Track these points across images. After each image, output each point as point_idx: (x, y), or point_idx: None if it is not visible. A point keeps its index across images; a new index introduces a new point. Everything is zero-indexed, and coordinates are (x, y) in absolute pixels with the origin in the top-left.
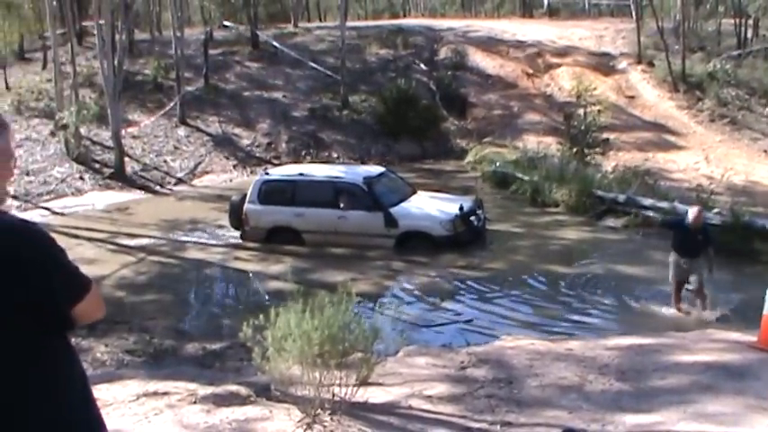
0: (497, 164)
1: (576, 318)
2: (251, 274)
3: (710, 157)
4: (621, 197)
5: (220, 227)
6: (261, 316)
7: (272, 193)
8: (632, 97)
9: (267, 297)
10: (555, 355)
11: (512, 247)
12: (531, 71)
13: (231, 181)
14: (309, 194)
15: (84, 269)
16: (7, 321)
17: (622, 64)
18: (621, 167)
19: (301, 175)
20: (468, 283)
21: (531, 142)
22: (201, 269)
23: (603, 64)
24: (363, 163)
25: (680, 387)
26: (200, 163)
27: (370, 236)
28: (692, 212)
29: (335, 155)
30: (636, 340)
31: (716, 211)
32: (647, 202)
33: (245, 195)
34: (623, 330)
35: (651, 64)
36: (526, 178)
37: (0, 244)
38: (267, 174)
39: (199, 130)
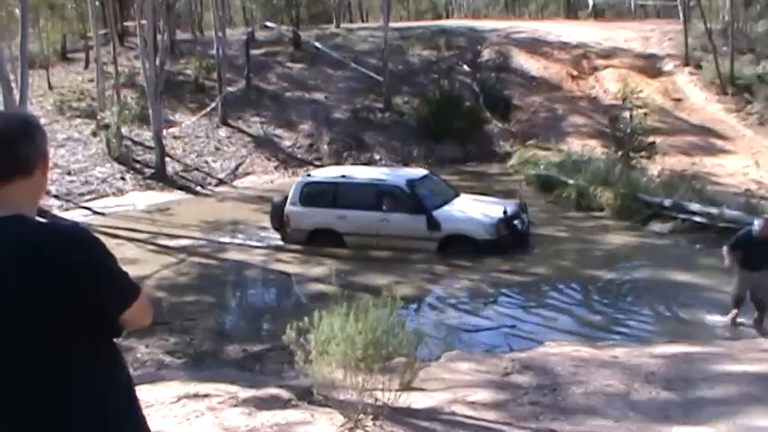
0: (541, 167)
1: (621, 324)
2: (292, 277)
3: (760, 161)
4: (668, 201)
5: (262, 228)
6: (305, 319)
7: (313, 194)
8: (679, 100)
9: (308, 300)
10: (600, 362)
11: (556, 252)
12: (575, 73)
13: (272, 182)
14: (351, 196)
15: (124, 269)
16: (58, 327)
17: (669, 66)
18: (668, 171)
19: (343, 176)
20: (512, 287)
21: (576, 145)
22: (242, 271)
23: (650, 66)
24: (406, 165)
25: (728, 398)
26: (241, 164)
27: (413, 239)
28: (758, 223)
29: (377, 157)
30: (682, 348)
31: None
32: (694, 206)
33: (287, 197)
34: (669, 338)
35: (699, 66)
36: (570, 182)
37: (53, 249)
38: (309, 175)
39: (240, 130)
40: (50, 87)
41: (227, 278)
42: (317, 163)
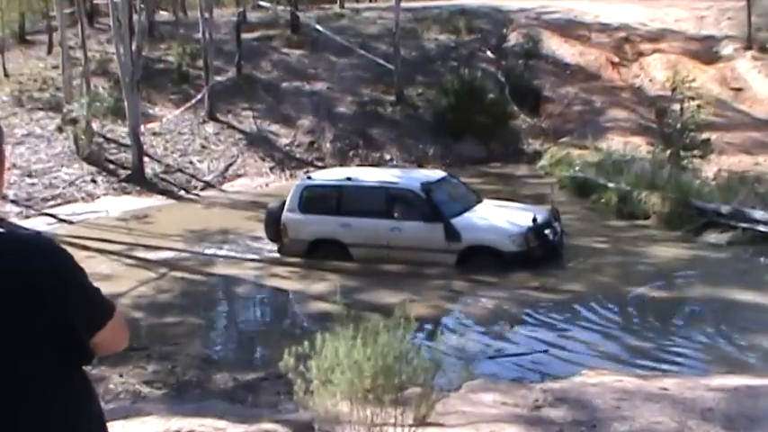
0: (576, 168)
1: (670, 351)
2: (290, 294)
3: None
4: (726, 208)
5: (255, 239)
6: (305, 343)
7: (314, 200)
8: (739, 90)
9: (309, 321)
10: (646, 394)
11: (593, 266)
12: (616, 59)
13: (267, 186)
14: (358, 202)
15: (96, 285)
16: (20, 352)
17: (728, 49)
18: (725, 173)
19: (349, 179)
20: (542, 307)
21: (617, 143)
22: (232, 287)
23: (705, 50)
24: (420, 166)
25: None
26: (231, 164)
27: (429, 251)
28: None
29: (388, 157)
30: (745, 381)
31: None
32: (758, 214)
33: (284, 202)
34: (728, 368)
35: (764, 49)
36: (610, 185)
37: (13, 263)
38: (309, 178)
39: (230, 126)
40: (6, 75)
41: (214, 296)
42: (319, 163)
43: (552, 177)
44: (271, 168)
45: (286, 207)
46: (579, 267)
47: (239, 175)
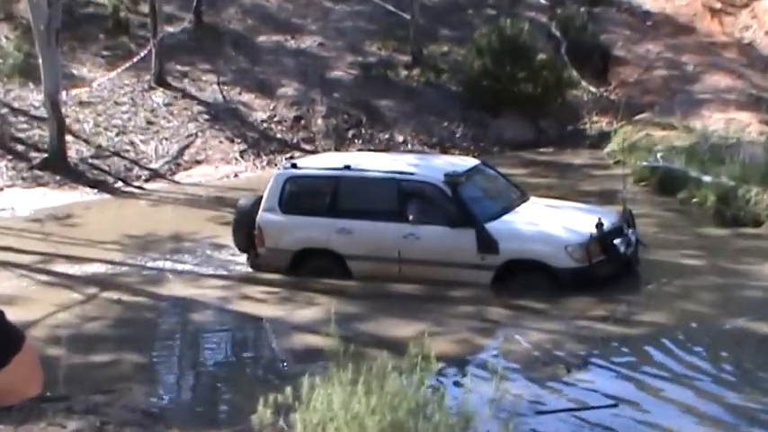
0: (659, 155)
1: None
2: (266, 323)
3: None
4: None
5: (219, 248)
6: (287, 390)
7: (301, 196)
8: None
9: (292, 360)
10: None
11: (680, 290)
12: (718, 5)
13: (236, 176)
14: (360, 200)
15: None
16: None
17: None
18: None
19: (347, 168)
20: (611, 345)
21: (716, 121)
22: (188, 314)
23: None
24: (445, 152)
25: None
26: (187, 147)
27: (455, 266)
28: None
29: (400, 138)
30: None
31: None
32: None
33: (260, 199)
34: None
35: None
36: (706, 179)
37: None
38: (294, 166)
39: (186, 95)
40: None
41: (163, 326)
42: (307, 147)
43: (625, 167)
44: (241, 153)
45: (262, 205)
46: (661, 291)
47: (198, 162)
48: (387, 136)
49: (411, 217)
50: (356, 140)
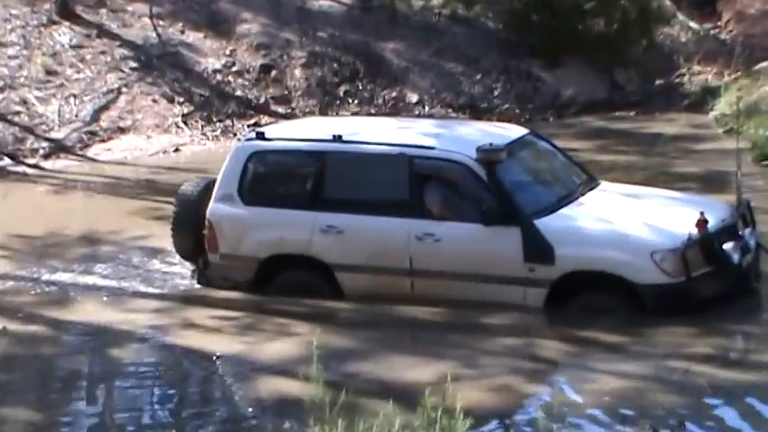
0: None
1: None
2: (218, 361)
3: None
4: None
5: (152, 253)
6: None
7: (270, 179)
8: None
9: (258, 413)
10: None
11: None
12: None
13: (178, 150)
14: (355, 185)
15: None
16: None
17: None
18: None
19: (338, 139)
20: (720, 397)
21: None
22: (105, 350)
23: None
24: (478, 117)
25: None
26: (106, 108)
27: (491, 280)
28: None
29: (414, 97)
30: None
31: None
32: None
33: (211, 184)
34: None
35: None
36: None
37: None
38: (261, 136)
39: (104, 32)
40: None
41: (69, 367)
42: (280, 109)
43: (740, 140)
44: (185, 117)
45: (215, 193)
46: None
47: (123, 130)
48: (394, 94)
49: (429, 210)
50: (350, 100)
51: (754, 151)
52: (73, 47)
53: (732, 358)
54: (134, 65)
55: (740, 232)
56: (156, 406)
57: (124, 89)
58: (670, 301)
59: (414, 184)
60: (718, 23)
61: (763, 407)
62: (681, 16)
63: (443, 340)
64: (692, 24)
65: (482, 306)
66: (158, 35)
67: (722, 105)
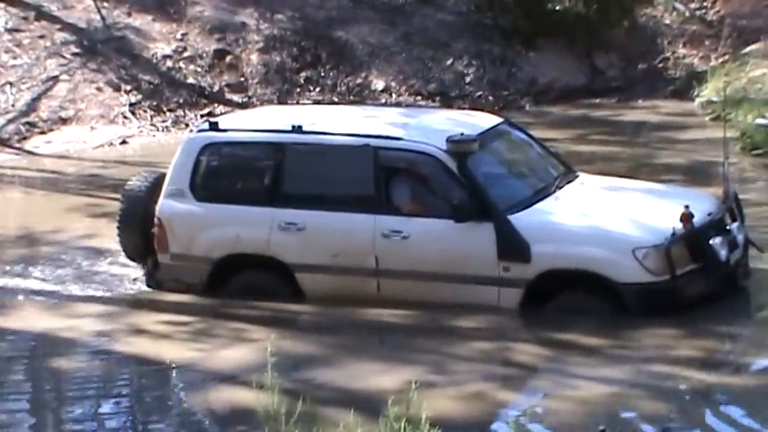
0: None
1: None
2: (168, 369)
3: None
4: None
5: (97, 253)
6: None
7: (225, 173)
8: None
9: (213, 426)
10: None
11: None
12: None
13: (125, 143)
14: (316, 179)
15: None
16: None
17: None
18: None
19: (298, 130)
20: (707, 402)
21: None
22: (46, 359)
23: None
24: (448, 105)
25: None
26: (44, 96)
27: (463, 280)
28: None
29: (380, 84)
30: None
31: None
32: None
33: (161, 179)
34: None
35: None
36: None
37: None
38: (215, 127)
39: (42, 15)
40: None
41: (7, 376)
42: (236, 98)
43: (728, 128)
44: (132, 107)
45: (165, 188)
46: None
47: (64, 121)
48: (359, 81)
49: (395, 205)
50: (311, 88)
51: (742, 140)
52: (9, 30)
53: (719, 361)
54: (76, 50)
55: (727, 227)
56: (103, 419)
57: (65, 77)
58: (653, 300)
59: (379, 178)
60: (705, 3)
61: (750, 412)
62: None
63: (411, 345)
64: (677, 4)
65: (453, 308)
66: (102, 18)
67: (709, 91)
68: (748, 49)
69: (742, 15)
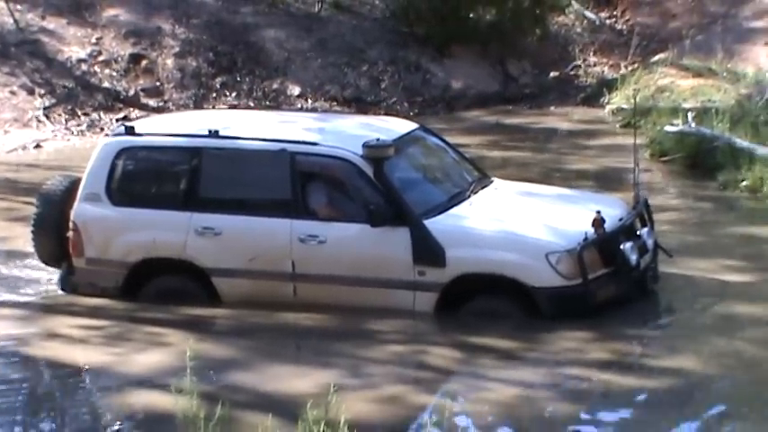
0: (689, 116)
1: None
2: (83, 373)
3: None
4: None
5: (10, 257)
6: None
7: (141, 177)
8: None
9: (126, 429)
10: None
11: (721, 321)
12: None
13: (39, 147)
14: (232, 183)
15: None
16: None
17: None
18: None
19: (214, 134)
20: (616, 404)
21: None
22: None
23: None
24: (364, 111)
25: None
26: None
27: (378, 284)
28: None
29: (296, 90)
30: None
31: None
32: None
33: (76, 183)
34: None
35: None
36: (762, 151)
37: None
38: (130, 131)
39: None
40: None
41: None
42: (152, 102)
43: (638, 135)
44: (46, 111)
45: (80, 192)
46: (692, 322)
47: None
48: (275, 86)
49: (312, 209)
50: (227, 93)
51: (651, 147)
52: None
53: (629, 364)
54: None
55: (638, 232)
56: (14, 425)
57: None
58: (566, 304)
59: (296, 183)
60: (615, 13)
61: (661, 414)
62: (576, 4)
63: (328, 349)
64: (588, 13)
65: (369, 312)
66: (15, 21)
67: (619, 99)
68: (657, 57)
69: (650, 25)
